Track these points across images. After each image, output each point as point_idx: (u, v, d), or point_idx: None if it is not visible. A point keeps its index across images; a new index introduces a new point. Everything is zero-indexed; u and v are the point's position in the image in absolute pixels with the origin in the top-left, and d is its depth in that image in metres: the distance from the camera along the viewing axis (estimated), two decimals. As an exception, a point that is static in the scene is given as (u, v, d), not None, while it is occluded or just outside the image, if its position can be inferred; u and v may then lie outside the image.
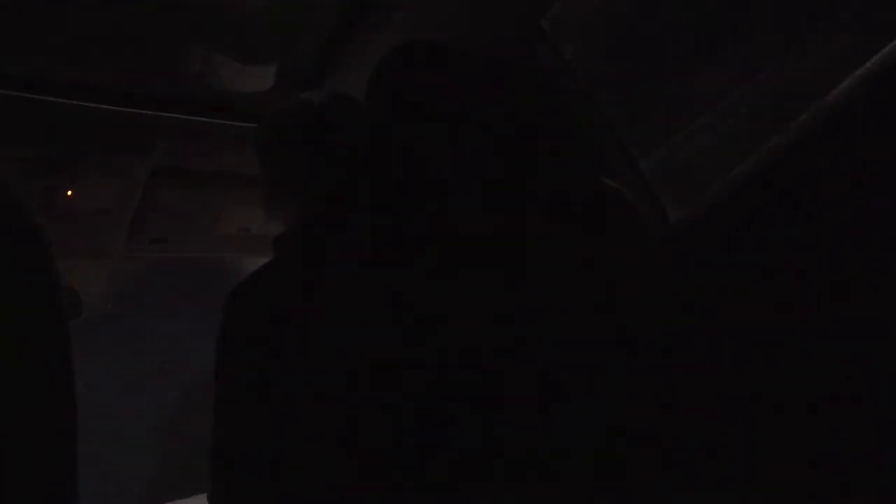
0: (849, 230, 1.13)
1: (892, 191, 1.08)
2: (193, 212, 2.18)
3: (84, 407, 0.95)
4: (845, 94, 1.14)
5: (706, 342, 1.17)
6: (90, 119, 1.83)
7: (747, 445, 1.15)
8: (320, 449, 1.14)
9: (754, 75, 1.29)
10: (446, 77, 1.28)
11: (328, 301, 1.18)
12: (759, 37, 1.29)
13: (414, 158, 1.25)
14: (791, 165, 1.23)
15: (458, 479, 1.09)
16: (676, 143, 1.38)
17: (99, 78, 1.79)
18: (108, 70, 1.78)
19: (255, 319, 1.20)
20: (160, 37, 1.70)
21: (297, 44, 1.87)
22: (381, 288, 1.18)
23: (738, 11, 1.30)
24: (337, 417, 1.14)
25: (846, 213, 1.14)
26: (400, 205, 1.23)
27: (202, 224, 2.20)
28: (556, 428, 1.11)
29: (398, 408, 1.12)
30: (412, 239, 1.20)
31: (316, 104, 1.36)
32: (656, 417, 1.14)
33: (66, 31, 1.62)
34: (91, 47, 1.68)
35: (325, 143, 1.31)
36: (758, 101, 1.29)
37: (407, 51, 1.31)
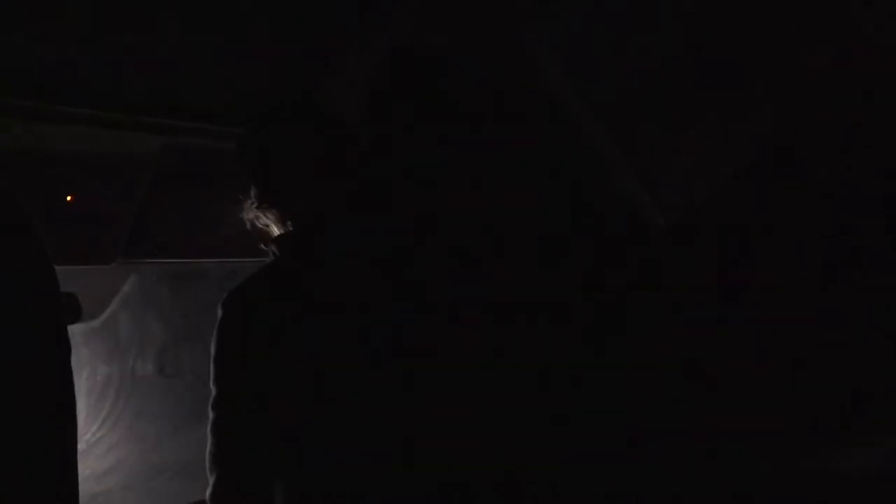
0: (845, 228, 1.14)
1: (888, 188, 1.08)
2: (193, 215, 2.18)
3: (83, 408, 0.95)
4: (841, 95, 1.15)
5: (705, 337, 1.18)
6: (90, 123, 1.84)
7: (749, 445, 1.15)
8: (317, 447, 1.14)
9: (755, 76, 1.29)
10: (446, 78, 1.28)
11: (324, 303, 1.18)
12: (760, 37, 1.29)
13: (412, 160, 1.26)
14: (790, 164, 1.24)
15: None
16: (676, 143, 1.39)
17: (99, 81, 1.80)
18: (108, 73, 1.78)
19: (252, 320, 1.20)
20: (161, 39, 1.70)
21: (296, 44, 1.88)
22: (378, 288, 1.18)
23: (740, 12, 1.31)
24: (334, 415, 1.14)
25: (842, 210, 1.14)
26: (398, 207, 1.23)
27: (202, 228, 2.20)
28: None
29: (396, 407, 1.12)
30: (411, 240, 1.20)
31: (311, 108, 1.37)
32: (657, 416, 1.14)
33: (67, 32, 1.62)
34: (91, 51, 1.68)
35: (323, 146, 1.31)
36: (758, 101, 1.30)
37: (407, 52, 1.32)
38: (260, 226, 1.35)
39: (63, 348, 0.98)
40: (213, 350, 1.21)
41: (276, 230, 1.33)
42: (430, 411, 1.13)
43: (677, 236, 1.31)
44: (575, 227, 1.21)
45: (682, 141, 1.38)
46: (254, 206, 1.34)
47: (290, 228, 1.31)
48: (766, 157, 1.26)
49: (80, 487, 0.95)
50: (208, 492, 1.17)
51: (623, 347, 1.15)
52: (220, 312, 1.22)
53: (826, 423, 1.15)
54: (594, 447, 1.12)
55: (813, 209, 1.19)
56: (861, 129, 1.16)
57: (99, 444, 3.35)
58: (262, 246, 1.34)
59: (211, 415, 1.19)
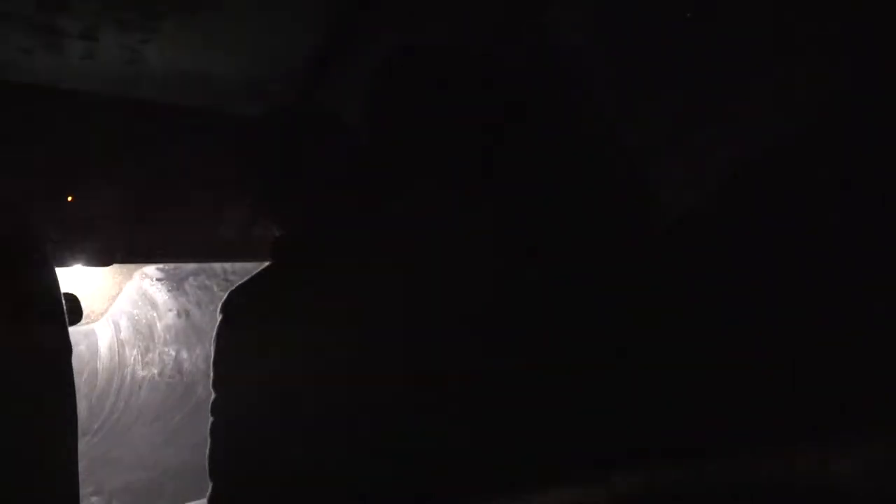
0: (842, 227, 1.14)
1: (885, 188, 1.09)
2: (193, 217, 2.18)
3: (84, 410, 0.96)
4: (841, 94, 1.15)
5: (703, 335, 1.18)
6: (90, 124, 1.84)
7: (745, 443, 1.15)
8: (314, 446, 1.14)
9: (756, 75, 1.30)
10: (447, 78, 1.28)
11: (322, 307, 1.18)
12: (762, 37, 1.30)
13: (412, 162, 1.26)
14: (790, 164, 1.24)
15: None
16: (678, 142, 1.39)
17: (100, 82, 1.80)
18: (108, 73, 1.78)
19: (250, 324, 1.20)
20: (161, 39, 1.71)
21: (297, 44, 1.88)
22: (377, 293, 1.18)
23: (741, 12, 1.31)
24: (332, 418, 1.14)
25: (839, 210, 1.15)
26: (396, 209, 1.23)
27: (201, 229, 2.20)
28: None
29: (394, 408, 1.12)
30: (409, 243, 1.20)
31: (311, 109, 1.37)
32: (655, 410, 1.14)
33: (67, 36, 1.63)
34: (91, 50, 1.69)
35: (322, 149, 1.31)
36: (759, 100, 1.30)
37: (407, 52, 1.31)
38: (259, 228, 1.35)
39: (64, 348, 0.98)
40: (212, 353, 1.21)
41: (275, 232, 1.33)
42: (430, 417, 1.13)
43: (677, 236, 1.31)
44: (574, 228, 1.21)
45: (683, 141, 1.38)
46: (253, 207, 1.34)
47: (289, 231, 1.31)
48: (766, 157, 1.26)
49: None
50: (208, 494, 1.17)
51: (622, 347, 1.15)
52: (219, 316, 1.22)
53: (826, 423, 1.15)
54: (595, 447, 1.12)
55: (813, 209, 1.19)
56: (861, 129, 1.16)
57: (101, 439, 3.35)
58: (262, 248, 1.34)
59: (211, 418, 1.19)
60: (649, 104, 1.40)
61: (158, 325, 3.62)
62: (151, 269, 3.50)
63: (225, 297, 1.24)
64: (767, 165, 1.25)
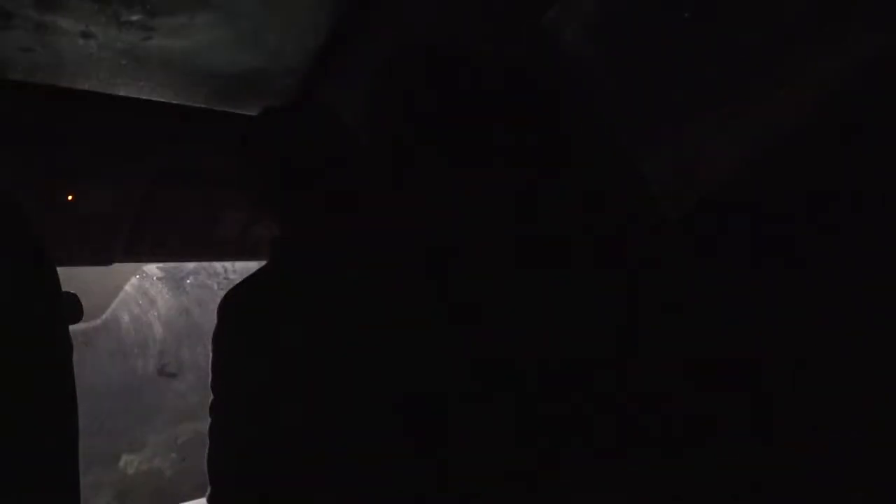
0: (842, 227, 1.14)
1: (885, 188, 1.09)
2: (193, 216, 2.18)
3: (84, 409, 0.96)
4: (844, 94, 1.15)
5: (702, 335, 1.18)
6: (90, 124, 1.84)
7: (741, 439, 1.15)
8: (313, 446, 1.14)
9: (758, 76, 1.30)
10: (447, 79, 1.28)
11: (320, 308, 1.18)
12: (762, 37, 1.30)
13: (414, 162, 1.26)
14: (790, 165, 1.24)
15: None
16: (677, 143, 1.39)
17: (100, 82, 1.80)
18: (108, 73, 1.78)
19: (247, 325, 1.20)
20: (162, 38, 1.71)
21: (296, 45, 1.88)
22: (375, 290, 1.18)
23: (742, 10, 1.31)
24: (331, 417, 1.14)
25: (839, 209, 1.15)
26: (396, 209, 1.23)
27: (201, 228, 2.20)
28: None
29: (394, 408, 1.12)
30: (408, 243, 1.20)
31: (312, 110, 1.37)
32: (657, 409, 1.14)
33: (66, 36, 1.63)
34: (92, 49, 1.69)
35: (322, 150, 1.31)
36: (760, 101, 1.30)
37: (408, 53, 1.31)
38: (258, 227, 1.35)
39: (64, 348, 0.98)
40: (211, 354, 1.21)
41: (274, 232, 1.33)
42: (429, 415, 1.13)
43: (678, 233, 1.31)
44: (574, 226, 1.21)
45: (682, 140, 1.38)
46: (252, 207, 1.34)
47: (288, 230, 1.31)
48: (766, 157, 1.27)
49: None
50: (207, 495, 1.18)
51: (622, 347, 1.15)
52: (217, 316, 1.22)
53: (826, 423, 1.15)
54: (594, 446, 1.12)
55: (813, 209, 1.19)
56: (861, 129, 1.16)
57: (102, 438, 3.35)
58: (261, 247, 1.34)
59: (210, 419, 1.19)
60: (649, 104, 1.40)
61: (158, 323, 3.63)
62: (152, 268, 3.50)
63: (222, 298, 1.24)
64: (768, 165, 1.25)
